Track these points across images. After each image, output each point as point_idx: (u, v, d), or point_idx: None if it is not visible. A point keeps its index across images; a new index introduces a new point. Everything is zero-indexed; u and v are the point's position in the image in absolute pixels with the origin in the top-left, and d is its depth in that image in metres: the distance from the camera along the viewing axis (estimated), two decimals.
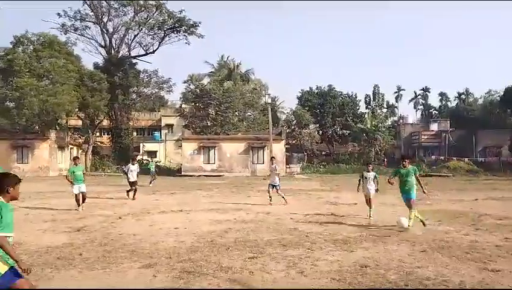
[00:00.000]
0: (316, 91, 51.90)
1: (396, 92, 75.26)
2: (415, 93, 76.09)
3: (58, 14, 43.96)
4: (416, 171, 9.81)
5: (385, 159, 46.75)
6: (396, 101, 75.18)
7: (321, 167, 44.97)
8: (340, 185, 25.35)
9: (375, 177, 11.49)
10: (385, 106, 53.70)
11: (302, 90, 53.00)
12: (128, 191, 16.32)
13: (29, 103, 34.29)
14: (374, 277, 5.74)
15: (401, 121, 55.75)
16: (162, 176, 35.89)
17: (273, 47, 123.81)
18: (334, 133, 49.97)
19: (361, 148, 48.29)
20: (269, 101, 44.59)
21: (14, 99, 35.62)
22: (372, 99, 52.10)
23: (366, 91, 69.28)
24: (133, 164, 17.20)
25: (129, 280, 5.65)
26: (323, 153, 52.16)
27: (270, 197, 14.46)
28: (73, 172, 13.00)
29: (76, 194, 12.76)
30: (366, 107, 52.66)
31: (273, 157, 17.35)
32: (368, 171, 11.52)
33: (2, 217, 3.73)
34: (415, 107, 76.48)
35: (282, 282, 5.53)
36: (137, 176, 16.96)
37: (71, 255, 7.00)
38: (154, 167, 26.88)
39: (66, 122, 45.48)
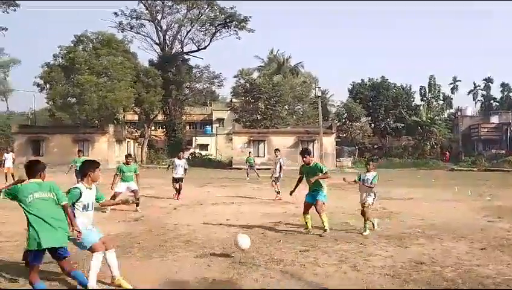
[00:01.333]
0: (368, 83, 50.53)
1: (451, 84, 71.83)
2: (474, 84, 72.27)
3: (115, 13, 45.82)
4: (322, 170, 8.51)
5: (448, 152, 44.90)
6: (452, 93, 71.69)
7: (373, 161, 43.87)
8: (393, 179, 24.67)
9: (374, 178, 8.52)
10: (441, 98, 51.20)
11: (353, 82, 51.86)
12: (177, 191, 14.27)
13: (89, 99, 36.02)
14: (429, 274, 5.58)
15: (459, 113, 53.13)
16: (212, 168, 36.64)
17: (324, 39, 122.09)
18: (387, 126, 48.55)
19: (415, 141, 46.58)
20: (319, 94, 44.07)
21: (75, 95, 37.54)
22: (427, 90, 49.91)
23: (421, 82, 66.53)
24: (180, 158, 14.72)
25: (185, 268, 5.85)
26: (375, 146, 50.87)
27: (277, 191, 14.37)
28: (123, 172, 11.52)
29: (117, 192, 11.17)
30: (421, 99, 50.54)
31: (277, 149, 16.99)
32: (368, 171, 8.63)
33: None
34: (474, 99, 72.68)
35: (334, 276, 5.52)
36: (185, 172, 14.74)
37: (130, 243, 7.35)
38: (252, 161, 27.06)
39: (123, 117, 47.42)
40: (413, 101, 50.87)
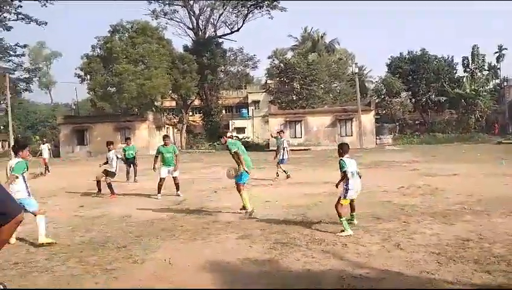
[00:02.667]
0: (407, 57, 48.75)
1: (497, 52, 68.10)
2: None
3: (149, 0, 46.31)
4: (230, 148, 8.31)
5: (496, 124, 43.01)
6: (498, 62, 68.01)
7: (415, 137, 42.72)
8: (436, 155, 23.95)
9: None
10: (486, 68, 48.60)
11: (391, 56, 50.17)
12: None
13: (128, 87, 36.85)
14: (477, 251, 5.41)
15: (505, 83, 50.50)
16: (250, 151, 36.88)
17: (359, 13, 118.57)
18: (429, 100, 46.92)
19: (459, 115, 44.83)
20: (356, 70, 43.21)
21: (114, 84, 38.52)
22: (471, 61, 47.56)
23: (463, 53, 63.54)
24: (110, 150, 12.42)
25: (228, 250, 5.96)
26: (416, 122, 49.44)
27: (284, 171, 14.55)
28: (162, 153, 11.25)
29: (162, 178, 11.12)
30: (465, 71, 48.23)
31: (282, 131, 16.89)
32: (344, 163, 6.79)
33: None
34: None
35: (377, 255, 5.45)
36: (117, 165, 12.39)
37: (174, 226, 7.55)
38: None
39: (162, 103, 48.36)
40: (456, 73, 48.77)
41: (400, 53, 49.44)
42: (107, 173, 11.81)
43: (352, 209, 7.11)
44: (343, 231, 6.45)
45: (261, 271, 5.01)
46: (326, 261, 5.28)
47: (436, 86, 46.12)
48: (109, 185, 11.60)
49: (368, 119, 37.80)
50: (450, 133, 42.58)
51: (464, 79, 45.89)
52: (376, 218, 7.58)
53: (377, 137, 39.50)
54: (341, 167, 6.80)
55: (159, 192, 11.12)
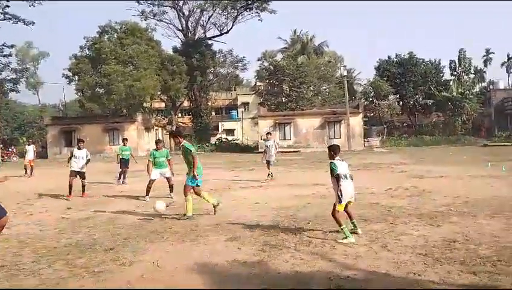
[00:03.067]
0: (395, 60, 49.22)
1: (485, 56, 69.19)
2: (508, 56, 69.41)
3: (138, 1, 46.07)
4: (188, 150, 8.40)
5: (482, 127, 43.53)
6: (485, 66, 69.12)
7: (402, 139, 43.14)
8: (424, 157, 24.22)
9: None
10: (472, 72, 49.32)
11: (380, 59, 50.61)
12: None
13: (117, 88, 36.59)
14: (463, 252, 5.48)
15: (491, 86, 51.24)
16: (239, 153, 36.86)
17: (348, 16, 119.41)
18: (416, 103, 47.38)
19: (446, 118, 45.38)
20: (345, 73, 43.44)
21: (103, 85, 38.23)
22: (457, 64, 48.21)
23: (450, 57, 64.40)
24: (80, 148, 12.31)
25: (216, 252, 5.95)
26: (404, 124, 49.91)
27: (270, 173, 14.88)
28: (155, 157, 11.31)
29: (151, 180, 11.18)
30: (451, 74, 48.89)
31: (269, 133, 17.39)
32: (335, 166, 6.42)
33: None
34: (507, 71, 69.96)
35: (365, 256, 5.49)
36: (87, 163, 12.43)
37: (162, 228, 7.52)
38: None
39: (151, 105, 48.09)
40: (443, 76, 49.38)
41: (388, 56, 49.96)
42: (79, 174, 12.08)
43: (350, 216, 6.61)
44: (346, 237, 6.15)
45: (250, 273, 5.01)
46: (314, 262, 5.31)
47: (424, 88, 46.63)
48: (70, 185, 11.83)
49: (357, 122, 38.09)
50: (437, 136, 43.04)
51: (451, 82, 46.47)
52: (364, 219, 7.63)
53: (365, 139, 39.80)
54: (332, 171, 6.41)
55: (147, 194, 11.11)
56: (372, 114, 47.71)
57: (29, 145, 21.73)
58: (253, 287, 4.56)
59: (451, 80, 47.54)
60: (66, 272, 5.20)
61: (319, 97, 48.91)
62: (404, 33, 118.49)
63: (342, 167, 6.45)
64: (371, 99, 47.34)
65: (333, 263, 5.26)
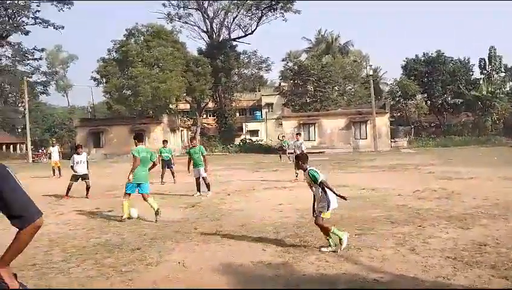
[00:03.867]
0: (422, 58, 48.29)
1: None
2: None
3: (163, 4, 46.83)
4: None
5: None
6: None
7: (430, 139, 42.23)
8: (452, 158, 23.65)
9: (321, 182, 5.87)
10: (503, 70, 47.90)
11: (406, 58, 49.78)
12: None
13: (143, 90, 37.24)
14: (494, 256, 5.32)
15: None
16: (263, 154, 36.87)
17: (374, 15, 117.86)
18: (445, 102, 46.39)
19: (476, 117, 44.21)
20: (371, 72, 42.95)
21: (130, 87, 38.97)
22: (487, 63, 46.87)
23: (480, 55, 62.62)
24: (79, 154, 12.80)
25: (241, 252, 5.97)
26: (432, 124, 48.88)
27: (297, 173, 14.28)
28: (191, 154, 12.03)
29: (196, 178, 11.94)
30: (481, 72, 47.60)
31: (299, 133, 17.78)
32: (316, 173, 5.92)
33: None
34: None
35: (391, 259, 5.40)
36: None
37: (188, 229, 7.59)
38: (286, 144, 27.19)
39: (176, 106, 48.70)
40: (472, 74, 48.18)
41: (416, 55, 49.11)
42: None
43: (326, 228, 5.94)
44: (341, 240, 5.78)
45: (275, 274, 5.00)
46: (340, 265, 5.25)
47: (452, 88, 45.57)
48: (69, 188, 12.36)
49: (383, 122, 37.52)
50: (466, 136, 41.99)
51: (481, 81, 45.25)
52: (391, 222, 7.51)
53: (392, 140, 39.18)
54: (314, 179, 5.87)
55: (198, 189, 11.80)
56: (398, 114, 46.95)
57: (53, 146, 22.09)
58: (279, 288, 4.56)
59: (481, 78, 46.30)
60: (94, 271, 5.32)
61: (344, 97, 48.50)
62: (431, 31, 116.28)
63: (322, 173, 6.05)
64: (397, 99, 46.61)
65: (359, 266, 5.19)
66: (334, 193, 5.92)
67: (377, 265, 5.20)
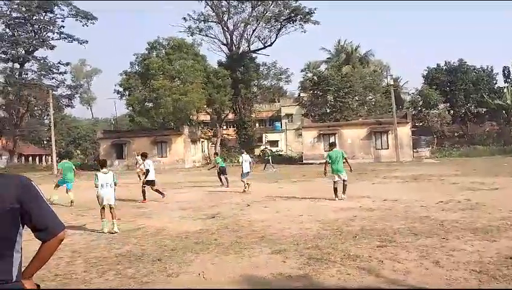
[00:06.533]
0: (444, 67, 47.62)
1: None
2: None
3: (184, 18, 47.53)
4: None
5: None
6: None
7: (454, 149, 41.37)
8: (476, 169, 23.09)
9: None
10: None
11: (428, 67, 49.18)
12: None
13: (165, 103, 37.74)
14: None
15: None
16: (284, 164, 36.73)
17: (394, 24, 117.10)
18: (468, 111, 45.51)
19: (500, 127, 43.17)
20: (391, 82, 42.60)
21: (151, 100, 39.58)
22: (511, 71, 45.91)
23: (503, 63, 61.40)
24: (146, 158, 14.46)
25: (261, 264, 5.94)
26: (455, 134, 47.93)
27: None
28: (331, 157, 12.75)
29: (334, 182, 12.58)
30: (505, 81, 46.63)
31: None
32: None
33: None
34: None
35: (415, 272, 5.28)
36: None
37: (208, 240, 7.60)
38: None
39: (197, 118, 49.17)
40: (496, 83, 47.18)
41: (437, 64, 48.50)
42: (147, 182, 13.61)
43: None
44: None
45: (295, 287, 4.95)
46: (361, 278, 5.17)
47: (476, 97, 44.72)
48: (143, 192, 13.49)
49: (404, 132, 36.97)
50: (491, 146, 40.97)
51: (505, 89, 44.26)
52: (414, 234, 7.36)
53: (414, 150, 38.51)
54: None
55: (335, 195, 12.23)
56: (421, 124, 46.22)
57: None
58: None
59: (505, 87, 45.30)
60: (116, 282, 5.37)
61: (365, 107, 48.05)
62: (453, 40, 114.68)
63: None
64: (419, 108, 45.96)
65: (381, 279, 5.10)
66: None
67: (400, 278, 5.10)
